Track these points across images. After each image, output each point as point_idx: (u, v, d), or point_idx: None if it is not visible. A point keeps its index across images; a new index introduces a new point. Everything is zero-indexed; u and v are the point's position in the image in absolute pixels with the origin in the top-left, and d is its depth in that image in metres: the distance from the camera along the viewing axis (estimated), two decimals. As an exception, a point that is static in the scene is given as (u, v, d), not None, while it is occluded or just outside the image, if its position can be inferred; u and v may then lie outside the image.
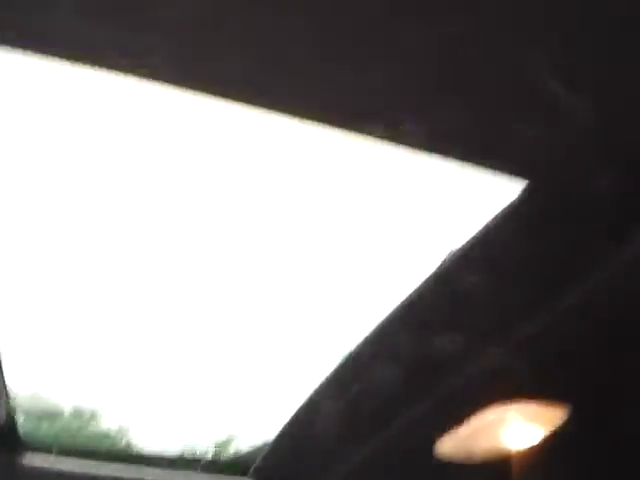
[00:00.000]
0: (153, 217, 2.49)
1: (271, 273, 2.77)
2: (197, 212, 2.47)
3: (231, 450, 3.07)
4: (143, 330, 2.81)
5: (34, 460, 2.74)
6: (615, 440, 2.37)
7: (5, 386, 2.47)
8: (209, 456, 3.10)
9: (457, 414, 2.37)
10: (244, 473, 2.91)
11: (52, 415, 3.11)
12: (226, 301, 2.87)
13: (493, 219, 1.79)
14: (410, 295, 2.04)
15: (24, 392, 3.14)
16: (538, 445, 2.47)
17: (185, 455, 3.05)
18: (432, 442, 2.51)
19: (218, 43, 1.37)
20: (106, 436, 3.25)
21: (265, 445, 2.89)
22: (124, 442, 3.25)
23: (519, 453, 2.51)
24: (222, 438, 3.23)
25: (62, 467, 2.77)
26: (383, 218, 2.62)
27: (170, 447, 3.13)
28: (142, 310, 2.76)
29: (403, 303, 2.09)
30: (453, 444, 2.49)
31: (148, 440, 3.23)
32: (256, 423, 3.10)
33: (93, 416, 3.21)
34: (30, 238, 2.48)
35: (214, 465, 2.97)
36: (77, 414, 3.20)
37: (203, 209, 2.48)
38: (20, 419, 2.83)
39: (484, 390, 2.27)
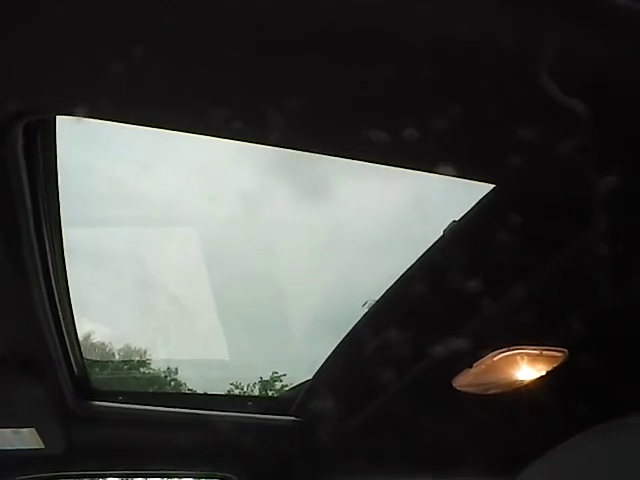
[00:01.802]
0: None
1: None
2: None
3: (274, 389, 3.38)
4: (187, 271, 3.00)
5: (103, 405, 3.07)
6: (604, 381, 2.67)
7: (78, 339, 2.76)
8: (253, 395, 3.42)
9: (471, 356, 2.67)
10: (286, 411, 3.24)
11: (105, 361, 3.40)
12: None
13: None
14: (423, 253, 2.31)
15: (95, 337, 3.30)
16: (540, 382, 2.79)
17: (230, 394, 3.37)
18: (451, 379, 2.82)
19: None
20: (156, 379, 3.55)
21: (305, 384, 3.22)
22: (173, 384, 3.56)
23: (525, 388, 2.83)
24: (265, 377, 3.54)
25: (127, 411, 3.10)
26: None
27: (216, 387, 3.46)
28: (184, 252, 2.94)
29: (419, 259, 2.36)
30: (469, 380, 2.81)
31: (195, 382, 3.53)
32: (297, 362, 3.41)
33: (142, 360, 3.54)
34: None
35: (257, 404, 3.28)
36: (127, 358, 3.48)
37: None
38: (93, 366, 3.14)
39: (493, 336, 2.57)
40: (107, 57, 1.40)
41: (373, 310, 2.65)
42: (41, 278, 2.15)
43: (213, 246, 3.02)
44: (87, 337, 3.15)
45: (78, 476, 3.43)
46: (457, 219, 2.15)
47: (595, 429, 2.44)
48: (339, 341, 2.86)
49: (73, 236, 2.65)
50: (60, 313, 2.41)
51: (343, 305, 3.27)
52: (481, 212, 2.07)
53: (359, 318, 2.73)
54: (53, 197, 2.04)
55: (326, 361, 2.95)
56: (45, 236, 2.05)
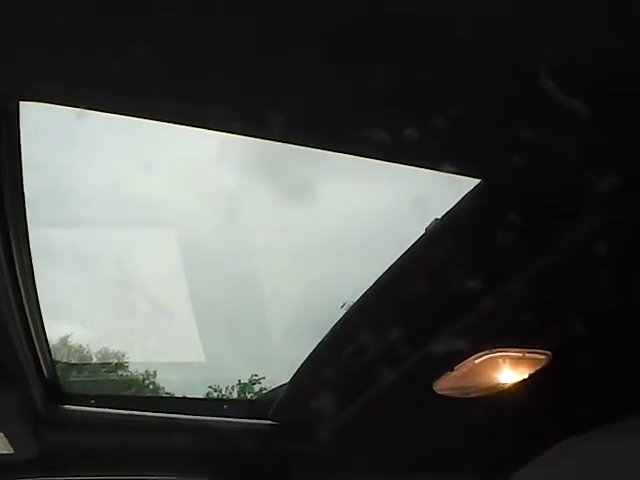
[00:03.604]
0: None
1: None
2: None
3: (251, 392, 3.26)
4: (166, 273, 2.89)
5: (75, 410, 2.92)
6: (587, 385, 2.56)
7: (47, 342, 2.62)
8: (230, 398, 3.29)
9: (452, 359, 2.55)
10: (264, 415, 3.11)
11: (80, 364, 3.26)
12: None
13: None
14: (403, 253, 2.19)
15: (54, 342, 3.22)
16: (522, 385, 2.67)
17: (208, 398, 3.24)
18: (432, 382, 2.70)
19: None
20: (133, 382, 3.42)
21: (283, 386, 3.09)
22: (150, 388, 3.43)
23: (506, 391, 2.71)
24: (243, 380, 3.41)
25: (100, 414, 2.96)
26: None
27: (193, 390, 3.33)
28: (165, 252, 2.83)
29: (399, 259, 2.24)
30: (451, 383, 2.69)
31: (173, 384, 3.41)
32: (276, 364, 3.29)
33: (120, 363, 3.37)
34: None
35: (235, 407, 3.15)
36: (104, 361, 3.35)
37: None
38: (64, 369, 3.01)
39: (474, 339, 2.45)
40: (104, 50, 1.36)
41: (351, 312, 2.52)
42: (6, 279, 2.03)
43: (192, 247, 2.91)
44: (63, 339, 3.09)
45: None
46: (439, 217, 2.03)
47: (589, 433, 2.33)
48: (316, 345, 2.72)
49: (51, 237, 2.59)
50: (28, 315, 2.28)
51: (323, 307, 3.18)
52: (464, 210, 1.95)
53: (337, 320, 2.60)
54: (18, 197, 1.93)
55: (304, 364, 2.82)
56: (11, 236, 1.94)
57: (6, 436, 2.83)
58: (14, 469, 3.13)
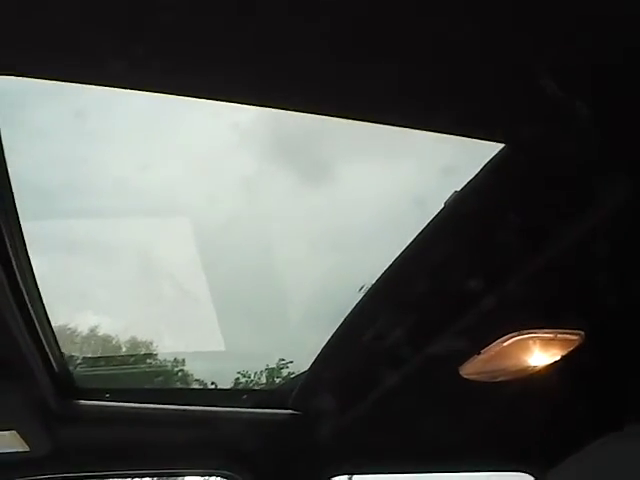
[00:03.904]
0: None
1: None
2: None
3: (270, 381, 3.14)
4: (187, 261, 2.80)
5: (89, 404, 2.82)
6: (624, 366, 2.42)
7: (55, 336, 2.52)
8: (248, 388, 3.18)
9: (480, 341, 2.42)
10: (283, 404, 3.00)
11: (94, 357, 3.18)
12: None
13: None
14: (423, 233, 2.06)
15: (80, 332, 3.17)
16: (554, 368, 2.53)
17: (225, 388, 3.13)
18: (458, 367, 2.57)
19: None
20: (161, 372, 3.32)
21: (303, 375, 2.98)
22: (168, 379, 3.33)
23: (537, 374, 2.57)
24: (261, 369, 3.30)
25: (115, 409, 2.86)
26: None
27: (211, 380, 3.22)
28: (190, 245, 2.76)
29: (418, 241, 2.11)
30: (478, 367, 2.55)
31: (191, 375, 3.31)
32: (295, 352, 3.18)
33: (136, 354, 3.28)
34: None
35: (253, 398, 3.04)
36: (124, 353, 3.26)
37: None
38: (76, 363, 2.91)
39: (503, 320, 2.31)
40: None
41: (371, 294, 2.39)
42: (2, 276, 1.92)
43: (212, 234, 2.85)
44: (91, 330, 3.10)
45: (67, 478, 3.19)
46: (459, 189, 1.89)
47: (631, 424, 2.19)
48: (335, 331, 2.61)
49: (73, 229, 2.59)
50: (31, 311, 2.18)
51: (342, 293, 3.08)
52: (487, 177, 1.81)
53: (356, 304, 2.47)
54: (5, 188, 1.85)
55: (323, 351, 2.70)
56: (2, 229, 1.85)
57: (20, 434, 2.73)
58: (30, 466, 3.04)
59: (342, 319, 2.54)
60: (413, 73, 1.47)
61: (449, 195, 1.94)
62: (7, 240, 1.88)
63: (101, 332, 3.22)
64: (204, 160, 2.51)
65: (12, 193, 1.87)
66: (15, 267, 1.97)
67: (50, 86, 2.12)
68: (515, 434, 3.04)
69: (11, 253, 1.93)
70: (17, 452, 2.87)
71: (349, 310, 2.49)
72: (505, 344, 2.38)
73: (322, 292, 3.22)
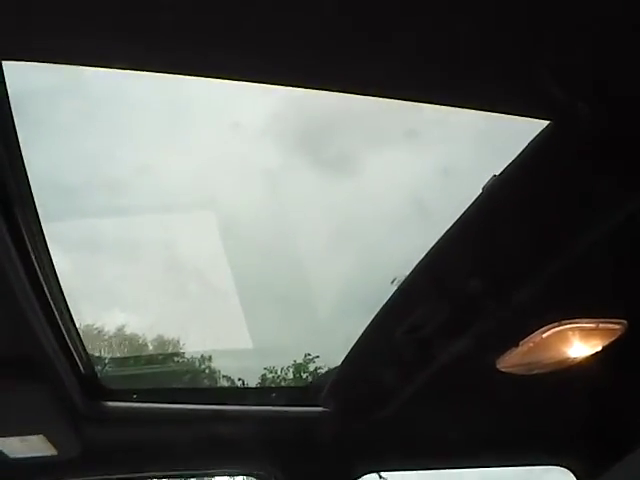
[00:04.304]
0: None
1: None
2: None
3: (300, 378, 3.06)
4: (213, 255, 2.75)
5: (116, 405, 2.75)
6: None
7: (80, 337, 2.45)
8: (278, 385, 3.10)
9: (517, 333, 2.33)
10: (314, 401, 2.91)
11: (135, 354, 3.12)
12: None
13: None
14: (458, 222, 1.96)
15: (107, 332, 3.13)
16: (595, 358, 2.43)
17: (255, 386, 3.05)
18: (494, 359, 2.47)
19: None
20: (188, 371, 3.26)
21: (333, 371, 2.89)
22: (196, 377, 3.26)
23: (577, 366, 2.47)
24: (291, 366, 3.22)
25: (143, 409, 2.79)
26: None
27: (240, 377, 3.15)
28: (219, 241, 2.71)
29: (453, 231, 2.02)
30: (515, 360, 2.46)
31: (220, 373, 3.24)
32: (325, 347, 3.09)
33: (163, 354, 3.21)
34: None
35: (283, 395, 2.96)
36: (159, 349, 3.20)
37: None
38: (102, 364, 2.84)
39: (541, 310, 2.21)
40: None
41: (404, 287, 2.30)
42: (23, 276, 1.87)
43: (237, 228, 2.81)
44: (119, 328, 3.07)
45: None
46: (497, 174, 1.79)
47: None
48: (367, 323, 2.52)
49: (97, 227, 2.57)
50: (54, 311, 2.11)
51: (371, 283, 3.02)
52: (526, 162, 1.70)
53: (388, 297, 2.38)
54: (25, 192, 1.80)
55: (355, 346, 2.61)
56: (22, 230, 1.79)
57: (48, 437, 2.66)
58: (59, 469, 2.97)
59: (373, 314, 2.46)
60: (452, 46, 1.38)
61: (485, 180, 1.85)
62: (28, 241, 1.82)
63: (128, 331, 3.19)
64: (228, 154, 2.47)
65: (32, 193, 1.82)
66: (38, 269, 1.91)
67: (71, 83, 2.11)
68: (555, 428, 2.94)
69: (33, 255, 1.86)
70: (45, 456, 2.80)
71: (380, 304, 2.40)
72: (544, 335, 2.28)
73: (351, 286, 3.15)
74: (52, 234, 2.23)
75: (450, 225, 1.99)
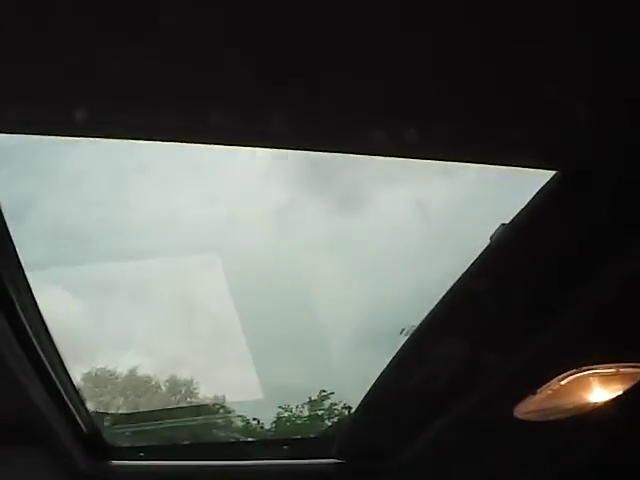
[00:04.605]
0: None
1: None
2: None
3: (314, 430, 2.96)
4: (223, 296, 2.69)
5: (122, 464, 2.66)
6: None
7: (81, 397, 2.37)
8: (288, 437, 3.00)
9: (535, 380, 2.24)
10: (326, 453, 2.81)
11: (125, 414, 3.02)
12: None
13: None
14: (471, 269, 1.89)
15: (119, 376, 3.07)
16: (615, 403, 2.33)
17: (265, 439, 2.96)
18: (512, 407, 2.38)
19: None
20: (197, 425, 3.16)
21: (345, 420, 2.80)
22: (215, 429, 3.17)
23: (597, 411, 2.37)
24: (303, 415, 3.13)
25: (151, 468, 2.70)
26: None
27: (256, 429, 3.05)
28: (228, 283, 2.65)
29: (465, 277, 1.95)
30: (533, 407, 2.36)
31: (235, 425, 3.14)
32: (336, 394, 3.00)
33: (189, 390, 3.13)
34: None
35: (294, 447, 2.86)
36: (167, 401, 3.12)
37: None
38: (105, 421, 2.75)
39: (559, 357, 2.13)
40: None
41: (419, 333, 2.21)
42: (14, 342, 1.79)
43: (248, 269, 2.76)
44: (131, 371, 3.07)
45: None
46: (506, 222, 1.72)
47: None
48: (382, 369, 2.42)
49: (109, 270, 2.56)
50: (50, 370, 2.03)
51: (383, 326, 2.95)
52: (538, 208, 1.63)
53: (402, 343, 2.29)
54: (3, 236, 1.69)
55: (368, 394, 2.52)
56: (8, 289, 1.71)
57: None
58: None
59: (387, 355, 2.37)
60: (447, 97, 1.32)
61: (494, 229, 1.79)
62: (14, 297, 1.74)
63: (138, 373, 3.14)
64: (235, 193, 2.48)
65: (12, 242, 1.71)
66: (29, 331, 1.83)
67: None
68: (573, 475, 2.83)
69: (22, 315, 1.79)
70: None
71: (392, 343, 2.31)
72: (563, 382, 2.18)
73: (364, 326, 3.09)
74: (62, 279, 2.19)
75: (463, 272, 1.92)
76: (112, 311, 2.66)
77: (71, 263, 2.48)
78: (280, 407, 3.11)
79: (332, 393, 3.03)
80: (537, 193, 1.59)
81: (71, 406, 2.25)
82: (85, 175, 2.36)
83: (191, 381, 3.20)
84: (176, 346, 2.85)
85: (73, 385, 2.23)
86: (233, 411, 3.11)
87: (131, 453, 2.65)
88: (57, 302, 2.12)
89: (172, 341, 2.83)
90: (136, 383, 3.08)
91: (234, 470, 2.75)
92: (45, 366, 1.99)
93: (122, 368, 3.05)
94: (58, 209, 2.48)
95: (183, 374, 3.17)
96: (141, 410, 2.99)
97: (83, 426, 2.38)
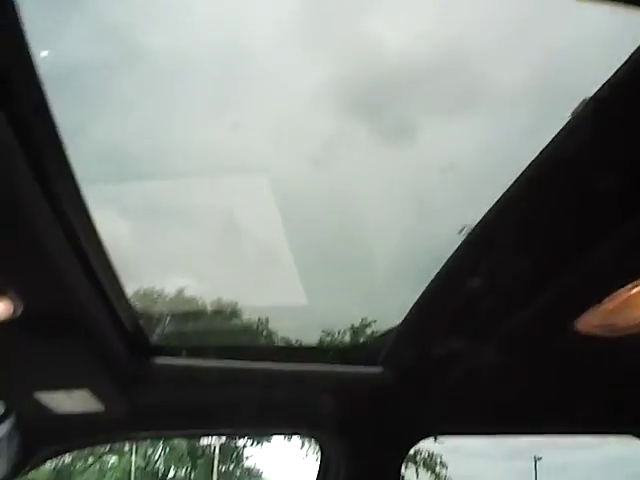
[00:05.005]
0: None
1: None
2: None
3: (359, 337, 2.87)
4: (272, 220, 2.65)
5: (165, 362, 2.60)
6: None
7: (124, 293, 2.30)
8: (336, 344, 2.92)
9: (601, 290, 2.09)
10: (374, 361, 2.72)
11: (196, 314, 2.99)
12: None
13: None
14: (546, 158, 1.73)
15: (160, 290, 3.05)
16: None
17: (311, 345, 2.87)
18: (573, 319, 2.24)
19: None
20: (242, 329, 3.13)
21: (394, 330, 2.69)
22: (259, 335, 3.12)
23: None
24: (349, 325, 3.05)
25: (194, 367, 2.64)
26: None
27: (297, 338, 2.98)
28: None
29: (522, 180, 1.80)
30: (597, 320, 2.22)
31: (276, 331, 3.09)
32: (384, 307, 2.91)
33: (234, 312, 3.08)
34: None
35: (341, 354, 2.77)
36: (219, 310, 3.08)
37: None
38: (152, 320, 2.70)
39: (629, 262, 1.97)
40: None
41: (470, 239, 2.07)
42: (59, 229, 1.75)
43: (295, 193, 2.74)
44: (178, 291, 3.13)
45: (144, 437, 3.00)
46: (589, 96, 1.55)
47: None
48: (430, 280, 2.30)
49: (157, 193, 2.56)
50: (95, 265, 1.96)
51: (429, 244, 2.87)
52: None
53: (453, 250, 2.16)
54: (59, 150, 1.66)
55: (416, 304, 2.40)
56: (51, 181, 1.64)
57: (93, 392, 2.53)
58: (105, 426, 2.86)
59: (432, 270, 2.25)
60: None
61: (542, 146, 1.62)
62: (64, 201, 1.69)
63: (182, 291, 3.14)
64: (285, 118, 2.48)
65: (66, 155, 1.68)
66: (73, 222, 1.76)
67: (129, 55, 2.12)
68: (634, 396, 2.70)
69: (71, 214, 1.75)
70: (91, 412, 2.68)
71: (438, 261, 2.21)
72: (632, 292, 2.03)
73: (409, 244, 3.03)
74: (113, 199, 2.19)
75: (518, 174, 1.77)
76: (160, 233, 2.65)
77: (122, 184, 2.48)
78: (323, 331, 3.06)
79: (374, 321, 2.95)
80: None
81: (117, 303, 2.18)
82: (137, 99, 2.40)
83: (236, 303, 3.17)
84: (222, 269, 2.85)
85: (120, 283, 2.17)
86: (279, 321, 3.05)
87: (174, 351, 2.58)
88: (107, 222, 2.10)
89: (218, 264, 2.83)
90: (182, 304, 3.06)
91: (278, 374, 2.68)
92: (93, 266, 1.94)
93: (169, 289, 3.07)
94: (111, 132, 2.49)
95: (228, 297, 3.16)
96: (188, 311, 2.93)
97: (128, 323, 2.32)
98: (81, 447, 3.06)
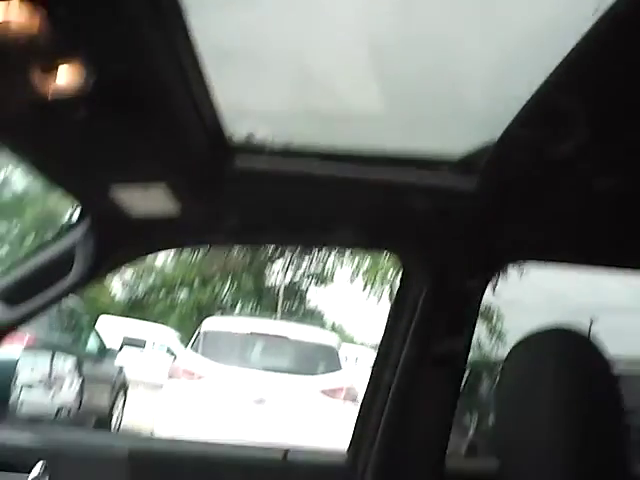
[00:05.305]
0: None
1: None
2: None
3: (454, 149, 2.61)
4: (347, 68, 2.36)
5: (248, 165, 2.44)
6: None
7: (206, 86, 2.11)
8: (429, 156, 2.67)
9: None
10: (468, 174, 2.50)
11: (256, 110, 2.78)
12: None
13: None
14: None
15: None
16: None
17: (401, 155, 2.64)
18: None
19: None
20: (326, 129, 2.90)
21: (487, 151, 2.47)
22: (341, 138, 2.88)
23: None
24: (444, 134, 2.80)
25: (277, 172, 2.48)
26: None
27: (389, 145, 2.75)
28: None
29: None
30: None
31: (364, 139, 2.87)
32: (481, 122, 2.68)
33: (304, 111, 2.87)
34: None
35: (435, 164, 2.55)
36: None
37: None
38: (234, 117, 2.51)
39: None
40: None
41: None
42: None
43: (373, 40, 2.42)
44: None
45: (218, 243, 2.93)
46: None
47: None
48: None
49: (225, 37, 2.22)
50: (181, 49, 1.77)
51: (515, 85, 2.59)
52: None
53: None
54: None
55: (516, 119, 2.16)
56: None
57: (170, 190, 2.42)
58: (180, 229, 2.77)
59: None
60: None
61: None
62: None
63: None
64: None
65: None
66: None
67: None
68: None
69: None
70: (167, 214, 2.59)
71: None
72: None
73: (493, 89, 2.74)
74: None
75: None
76: (227, 78, 2.43)
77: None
78: (414, 132, 2.79)
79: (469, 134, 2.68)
80: None
81: (197, 93, 2.02)
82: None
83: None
84: (292, 117, 2.55)
85: (201, 73, 1.99)
86: (361, 122, 2.78)
87: (256, 150, 2.41)
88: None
89: (288, 112, 2.52)
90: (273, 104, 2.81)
91: (362, 182, 2.51)
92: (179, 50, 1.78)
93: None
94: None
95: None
96: (271, 109, 2.70)
97: (209, 117, 2.15)
98: (156, 251, 2.98)
